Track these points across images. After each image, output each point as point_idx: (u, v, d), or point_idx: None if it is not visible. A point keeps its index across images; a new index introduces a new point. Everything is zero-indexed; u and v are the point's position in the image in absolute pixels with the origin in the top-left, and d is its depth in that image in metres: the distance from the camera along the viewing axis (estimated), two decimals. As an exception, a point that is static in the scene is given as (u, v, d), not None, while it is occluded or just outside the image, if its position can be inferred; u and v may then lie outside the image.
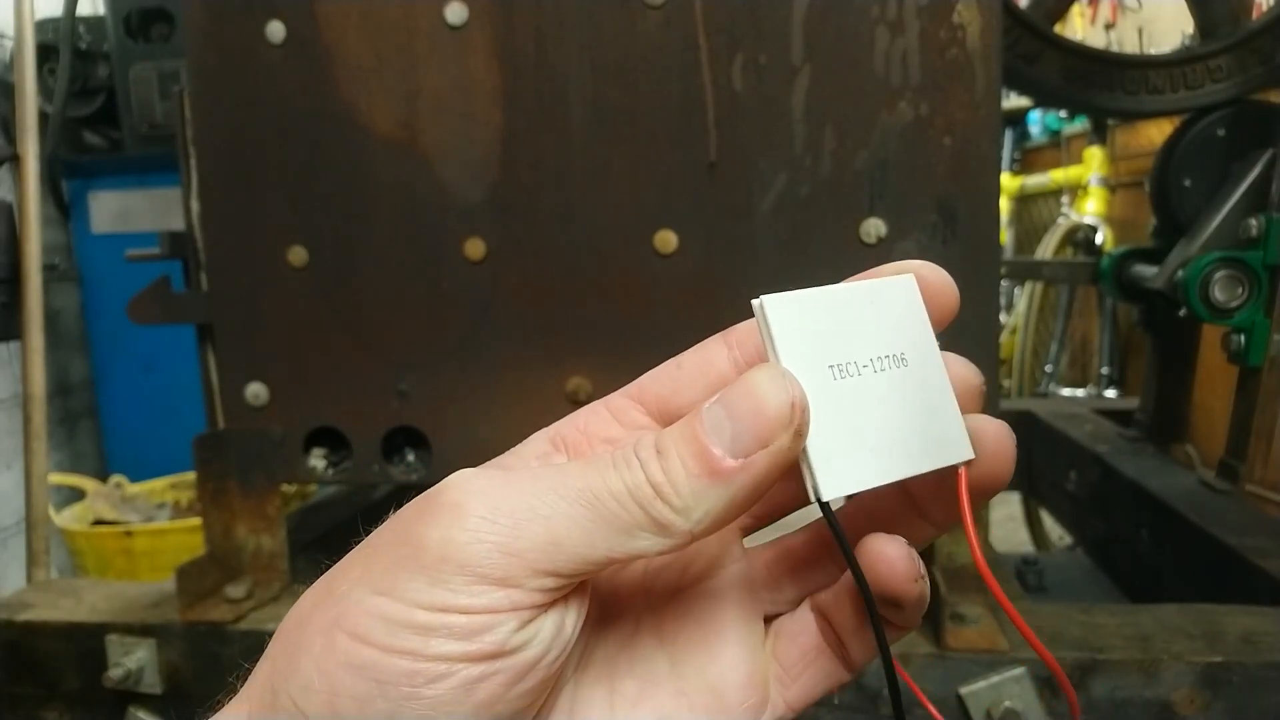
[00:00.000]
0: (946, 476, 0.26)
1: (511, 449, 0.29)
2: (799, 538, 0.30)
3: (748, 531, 0.31)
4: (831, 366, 0.25)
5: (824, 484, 0.24)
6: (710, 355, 0.28)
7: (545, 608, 0.23)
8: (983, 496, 0.27)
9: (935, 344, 0.27)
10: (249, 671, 0.25)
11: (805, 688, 0.28)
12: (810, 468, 0.24)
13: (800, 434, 0.23)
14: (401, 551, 0.23)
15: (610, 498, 0.23)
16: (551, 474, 0.24)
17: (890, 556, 0.25)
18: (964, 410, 0.26)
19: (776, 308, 0.25)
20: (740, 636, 0.28)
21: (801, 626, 0.29)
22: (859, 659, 0.28)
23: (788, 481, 0.25)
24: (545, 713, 0.26)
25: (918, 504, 0.28)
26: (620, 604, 0.29)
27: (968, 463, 0.26)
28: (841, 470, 0.24)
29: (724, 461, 0.23)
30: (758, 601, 0.29)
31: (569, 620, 0.24)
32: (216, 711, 0.25)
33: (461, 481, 0.24)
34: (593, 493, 0.23)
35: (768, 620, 0.29)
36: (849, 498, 0.26)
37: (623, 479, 0.23)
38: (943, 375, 0.26)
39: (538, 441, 0.29)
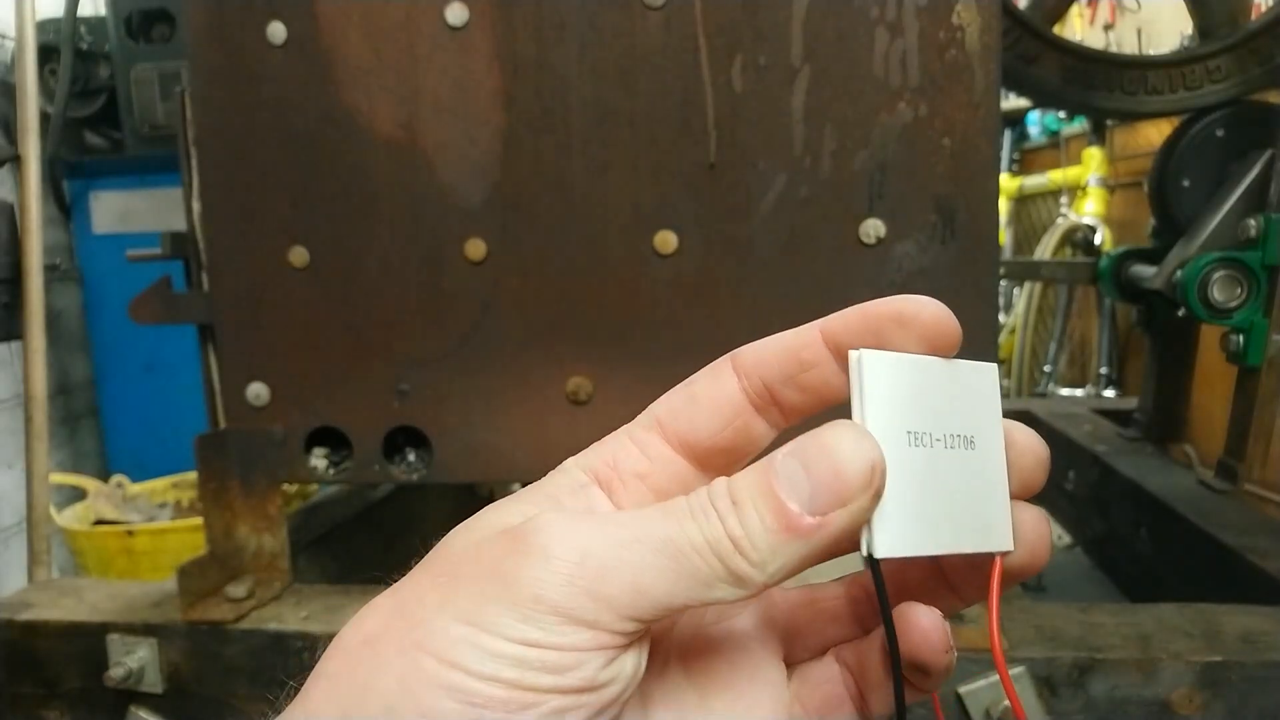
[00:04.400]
0: (979, 559, 0.27)
1: (548, 475, 0.29)
2: (828, 590, 0.31)
3: None
4: (909, 433, 0.25)
5: (879, 543, 0.24)
6: (724, 387, 0.28)
7: (625, 648, 0.24)
8: (1011, 582, 0.28)
9: (1001, 433, 0.27)
10: (296, 689, 0.25)
11: None
12: (869, 524, 0.24)
13: (878, 496, 0.24)
14: (491, 586, 0.24)
15: (692, 550, 0.24)
16: (635, 522, 0.24)
17: (925, 626, 0.26)
18: (1028, 479, 0.27)
19: (874, 364, 0.25)
20: (767, 677, 0.29)
21: (827, 675, 0.29)
22: (878, 713, 0.29)
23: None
24: None
25: (949, 579, 0.29)
26: (653, 638, 0.29)
27: (1005, 554, 0.26)
28: (897, 533, 0.24)
29: (802, 519, 0.23)
30: (779, 643, 0.30)
31: (642, 658, 0.25)
32: None
33: (549, 525, 0.24)
34: (675, 545, 0.24)
35: (789, 664, 0.30)
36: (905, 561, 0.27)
37: (703, 531, 0.24)
38: (1002, 465, 0.27)
39: (573, 472, 0.29)
